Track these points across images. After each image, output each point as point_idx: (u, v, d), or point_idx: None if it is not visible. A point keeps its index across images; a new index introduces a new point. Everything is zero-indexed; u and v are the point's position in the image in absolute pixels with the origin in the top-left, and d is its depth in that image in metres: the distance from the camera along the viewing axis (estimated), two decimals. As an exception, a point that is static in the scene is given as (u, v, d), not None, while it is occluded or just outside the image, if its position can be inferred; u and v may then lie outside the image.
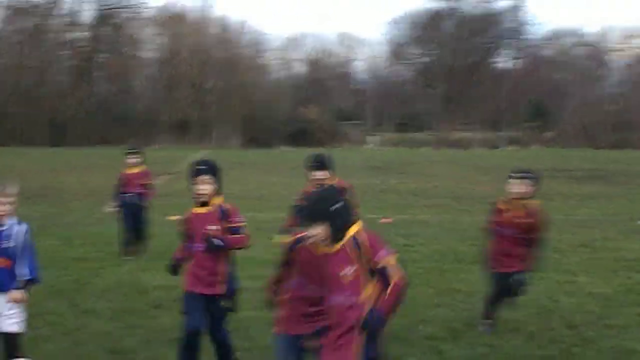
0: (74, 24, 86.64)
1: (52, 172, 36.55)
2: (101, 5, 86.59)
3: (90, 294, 12.29)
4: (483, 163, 49.60)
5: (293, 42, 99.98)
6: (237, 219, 7.85)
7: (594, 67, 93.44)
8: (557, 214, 21.57)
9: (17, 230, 7.30)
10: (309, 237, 5.93)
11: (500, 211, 10.05)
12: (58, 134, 74.15)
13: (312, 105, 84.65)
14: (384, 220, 20.97)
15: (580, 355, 9.20)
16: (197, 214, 7.84)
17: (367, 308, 5.83)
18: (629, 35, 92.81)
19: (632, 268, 14.94)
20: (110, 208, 15.91)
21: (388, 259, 5.93)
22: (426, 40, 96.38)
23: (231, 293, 7.87)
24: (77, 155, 50.93)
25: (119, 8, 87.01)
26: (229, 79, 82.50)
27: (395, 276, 5.88)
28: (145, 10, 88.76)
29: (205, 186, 7.75)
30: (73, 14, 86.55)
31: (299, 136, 77.74)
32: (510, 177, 10.01)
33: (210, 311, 7.78)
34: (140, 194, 15.65)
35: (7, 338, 7.39)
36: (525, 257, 9.90)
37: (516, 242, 9.86)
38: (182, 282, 7.97)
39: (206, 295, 7.75)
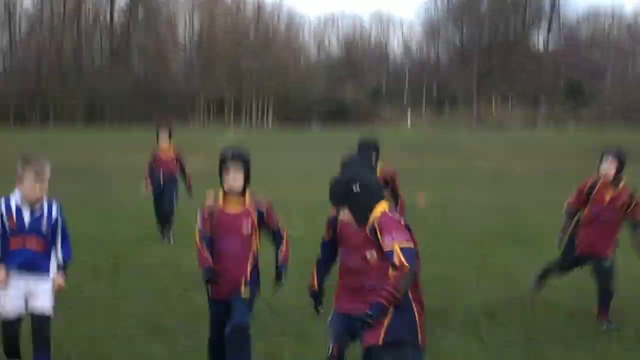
0: (111, 4, 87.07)
1: (90, 151, 36.77)
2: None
3: (129, 274, 12.33)
4: (521, 142, 49.20)
5: (328, 23, 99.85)
6: (275, 219, 7.43)
7: (631, 45, 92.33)
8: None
9: (51, 210, 7.14)
10: (342, 217, 5.97)
11: (589, 192, 9.63)
12: (95, 114, 74.68)
13: (348, 85, 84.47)
14: (421, 200, 20.88)
15: (619, 336, 9.13)
16: (228, 214, 7.34)
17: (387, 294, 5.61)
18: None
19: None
20: (145, 189, 15.69)
21: (394, 245, 5.59)
22: (462, 18, 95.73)
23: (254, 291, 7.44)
24: (114, 134, 51.19)
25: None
26: (263, 59, 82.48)
27: (397, 262, 5.54)
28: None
29: (236, 177, 7.26)
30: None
31: (334, 116, 77.58)
32: (604, 155, 9.57)
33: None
34: (173, 174, 15.47)
35: (37, 321, 7.10)
36: (616, 239, 9.59)
37: (610, 224, 9.53)
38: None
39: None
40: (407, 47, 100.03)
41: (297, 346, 8.60)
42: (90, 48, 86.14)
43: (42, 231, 7.07)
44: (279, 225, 7.43)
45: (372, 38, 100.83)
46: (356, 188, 5.82)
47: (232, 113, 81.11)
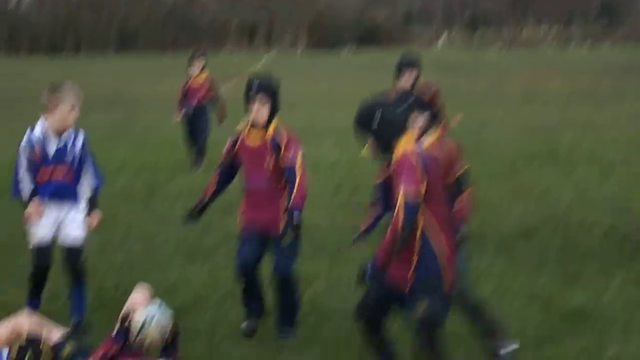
0: None
1: (122, 79, 36.74)
2: None
3: (164, 199, 12.41)
4: (554, 61, 48.54)
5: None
6: (291, 155, 6.73)
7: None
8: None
9: (76, 139, 7.09)
10: (368, 148, 5.60)
11: None
12: (126, 41, 74.62)
13: (380, 7, 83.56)
14: (454, 121, 20.68)
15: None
16: (249, 147, 6.88)
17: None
18: None
19: None
20: (176, 117, 15.62)
21: (400, 197, 5.29)
22: None
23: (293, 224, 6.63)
24: (146, 62, 51.16)
25: None
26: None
27: (394, 216, 5.30)
28: None
29: (260, 110, 6.76)
30: None
31: (367, 38, 76.95)
32: None
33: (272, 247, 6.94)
34: (205, 103, 15.30)
35: (69, 251, 7.08)
36: None
37: None
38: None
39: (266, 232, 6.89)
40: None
41: (332, 268, 8.64)
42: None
43: (68, 161, 7.03)
44: (296, 163, 6.70)
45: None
46: (381, 118, 5.47)
47: (265, 38, 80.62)
